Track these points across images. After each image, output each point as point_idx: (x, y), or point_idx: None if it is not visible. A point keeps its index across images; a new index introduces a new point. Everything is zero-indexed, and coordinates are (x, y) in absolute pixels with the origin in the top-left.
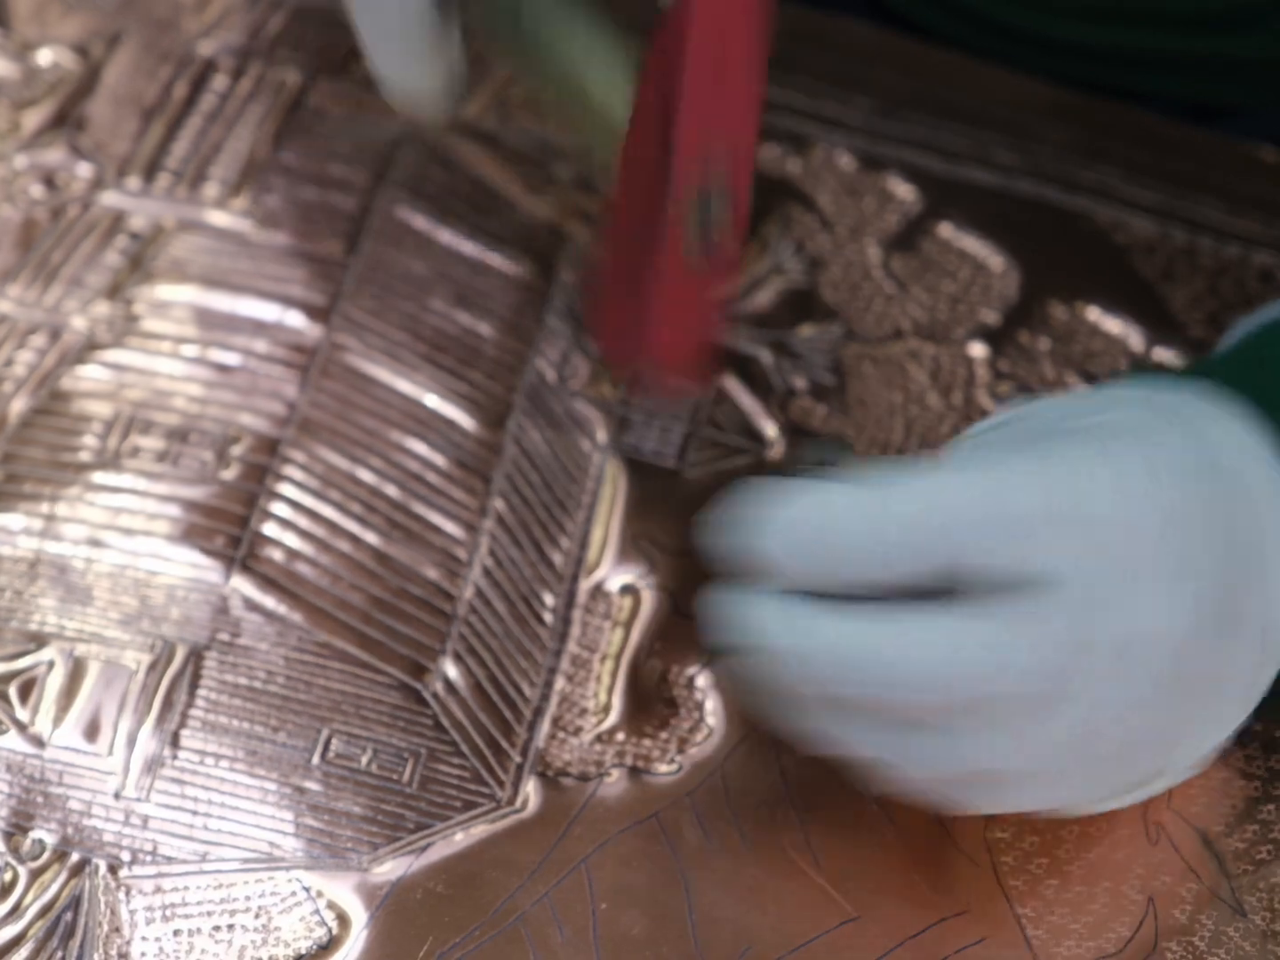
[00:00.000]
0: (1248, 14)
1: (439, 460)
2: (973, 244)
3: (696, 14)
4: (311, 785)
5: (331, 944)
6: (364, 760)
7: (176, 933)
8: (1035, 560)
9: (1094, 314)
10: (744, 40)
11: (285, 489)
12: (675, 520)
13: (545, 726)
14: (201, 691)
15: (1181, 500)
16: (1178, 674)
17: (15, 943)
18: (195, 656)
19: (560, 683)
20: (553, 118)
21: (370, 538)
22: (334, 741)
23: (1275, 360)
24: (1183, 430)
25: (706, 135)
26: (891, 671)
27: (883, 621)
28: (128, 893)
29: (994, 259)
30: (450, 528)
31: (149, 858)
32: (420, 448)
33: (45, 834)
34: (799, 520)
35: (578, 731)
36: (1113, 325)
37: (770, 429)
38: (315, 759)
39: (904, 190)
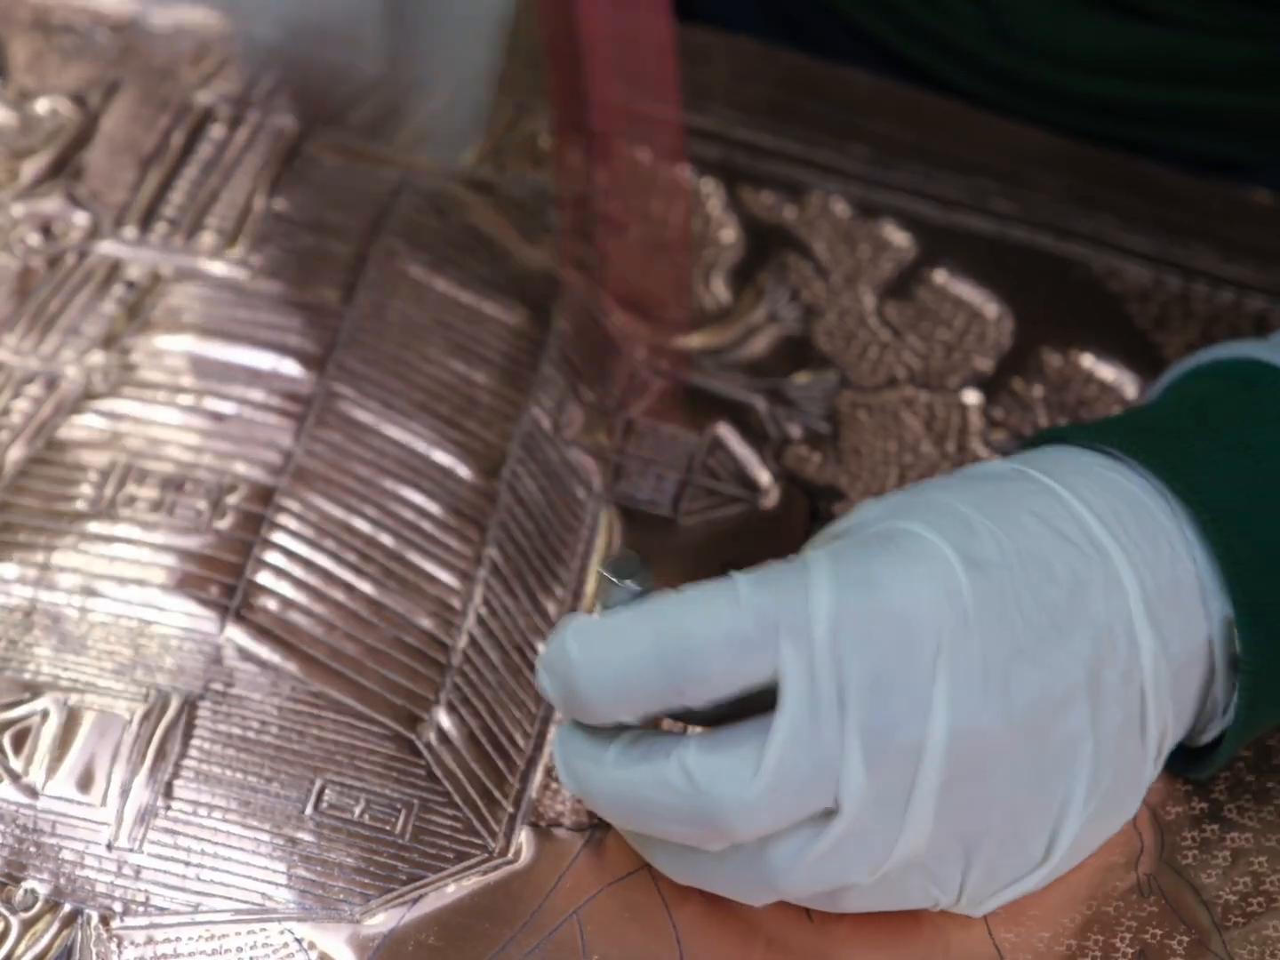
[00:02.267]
0: (1252, 70)
1: (434, 509)
2: (968, 291)
3: None
4: (304, 836)
5: None
6: (357, 811)
7: None
8: (766, 675)
9: (1088, 361)
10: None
11: (280, 538)
12: (670, 569)
13: (538, 777)
14: (195, 741)
15: (968, 595)
16: (967, 762)
17: None
18: (189, 706)
19: (553, 732)
20: None
21: (365, 587)
22: (327, 792)
23: (1167, 422)
24: (999, 513)
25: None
26: (648, 810)
27: (634, 762)
28: (120, 944)
29: (989, 306)
30: (445, 577)
31: (141, 908)
32: (415, 496)
33: (38, 884)
34: (549, 667)
35: None
36: (1107, 372)
37: (765, 477)
38: (308, 809)
39: (899, 238)
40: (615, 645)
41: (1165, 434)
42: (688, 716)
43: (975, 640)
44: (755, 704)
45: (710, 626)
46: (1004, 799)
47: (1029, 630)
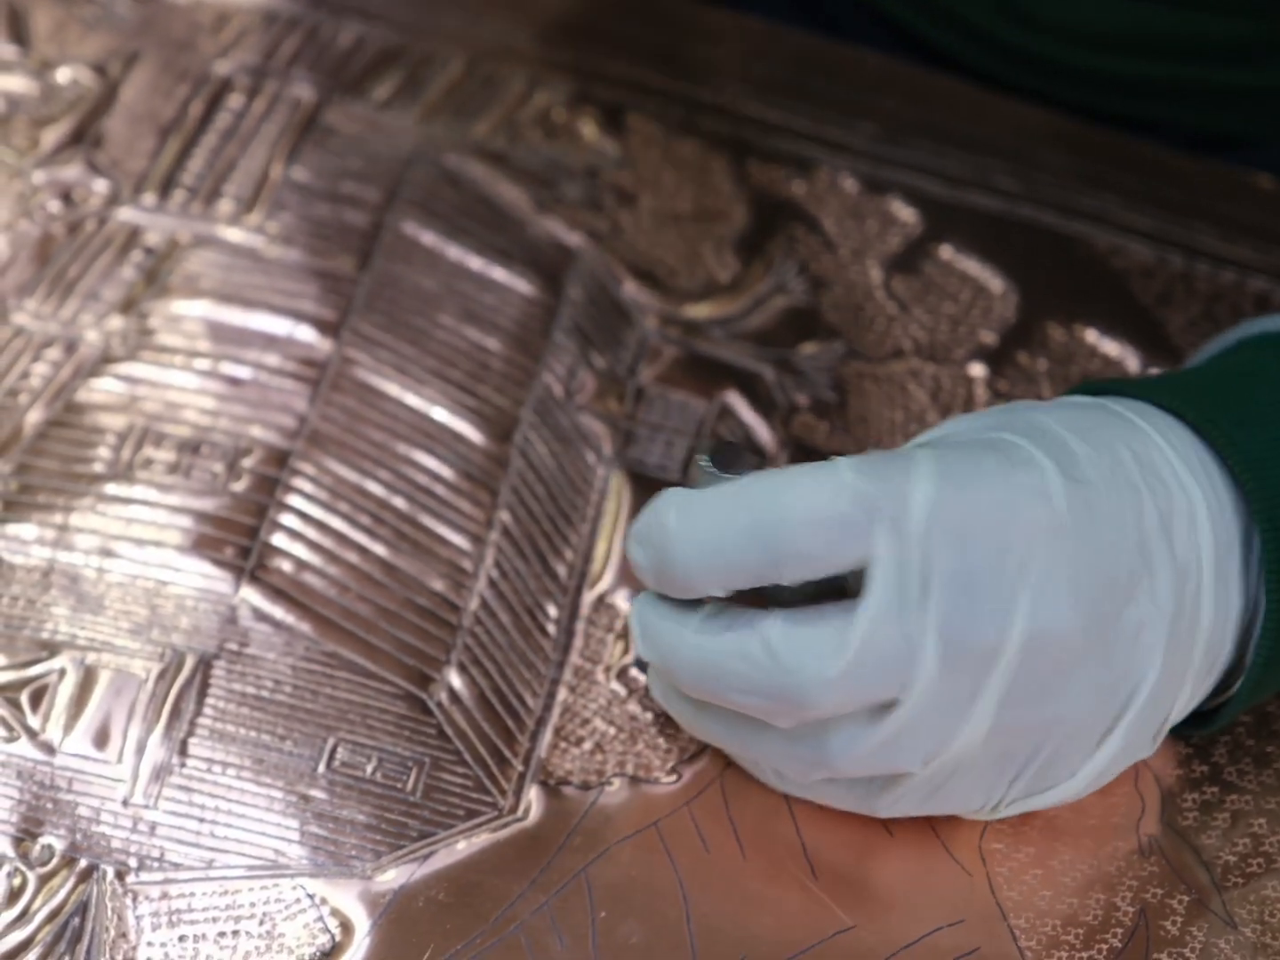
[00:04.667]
0: (1257, 46)
1: (446, 473)
2: (973, 266)
3: None
4: (317, 793)
5: (334, 950)
6: (369, 769)
7: (182, 938)
8: (859, 559)
9: (1092, 336)
10: None
11: (295, 501)
12: None
13: (548, 736)
14: (210, 700)
15: (1066, 509)
16: (1044, 674)
17: (23, 947)
18: (204, 665)
19: (563, 693)
20: None
21: (378, 549)
22: (339, 750)
23: (1218, 383)
24: (1097, 440)
25: None
26: (726, 680)
27: (718, 631)
28: (134, 898)
29: (994, 281)
30: (457, 539)
31: (156, 864)
32: (428, 461)
33: (54, 840)
34: (642, 538)
35: (579, 741)
36: (1110, 347)
37: (772, 444)
38: (321, 767)
39: (906, 213)
40: (714, 517)
41: (1216, 395)
42: (772, 597)
43: (1066, 553)
44: (837, 594)
45: (810, 505)
46: (1066, 714)
47: (1119, 558)
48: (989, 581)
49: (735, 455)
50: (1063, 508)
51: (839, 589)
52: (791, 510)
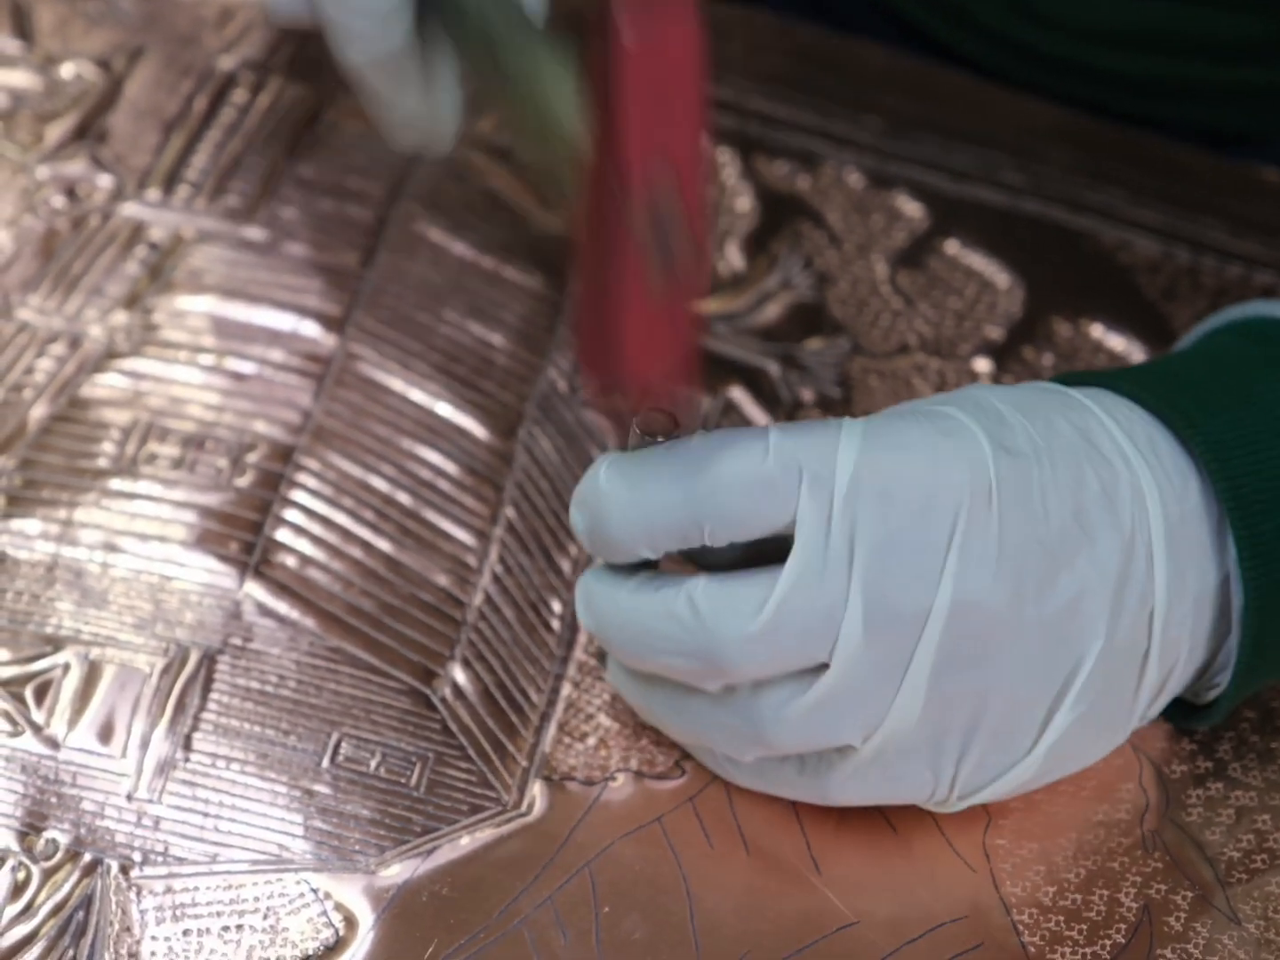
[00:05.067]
0: (1266, 44)
1: (451, 468)
2: (979, 261)
3: (627, 39)
4: (321, 788)
5: (338, 945)
6: (373, 764)
7: (186, 932)
8: (786, 521)
9: (1097, 331)
10: (681, 57)
11: (299, 496)
12: None
13: (551, 731)
14: (214, 695)
15: (994, 476)
16: (974, 641)
17: (28, 941)
18: (208, 660)
19: (567, 688)
20: (521, 145)
21: (382, 544)
22: (344, 745)
23: (1181, 369)
24: (1035, 414)
25: (650, 157)
26: (654, 641)
27: (648, 593)
28: (139, 893)
29: (999, 276)
30: (461, 535)
31: (160, 858)
32: (432, 456)
33: (59, 834)
34: (580, 501)
35: (583, 737)
36: (1116, 342)
37: None
38: (325, 762)
39: (912, 208)
40: (643, 478)
41: (1178, 380)
42: (704, 563)
43: (994, 521)
44: (769, 560)
45: (736, 466)
46: (1003, 685)
47: (1053, 526)
48: (914, 546)
49: (663, 422)
50: (991, 475)
51: (780, 560)
52: (717, 471)
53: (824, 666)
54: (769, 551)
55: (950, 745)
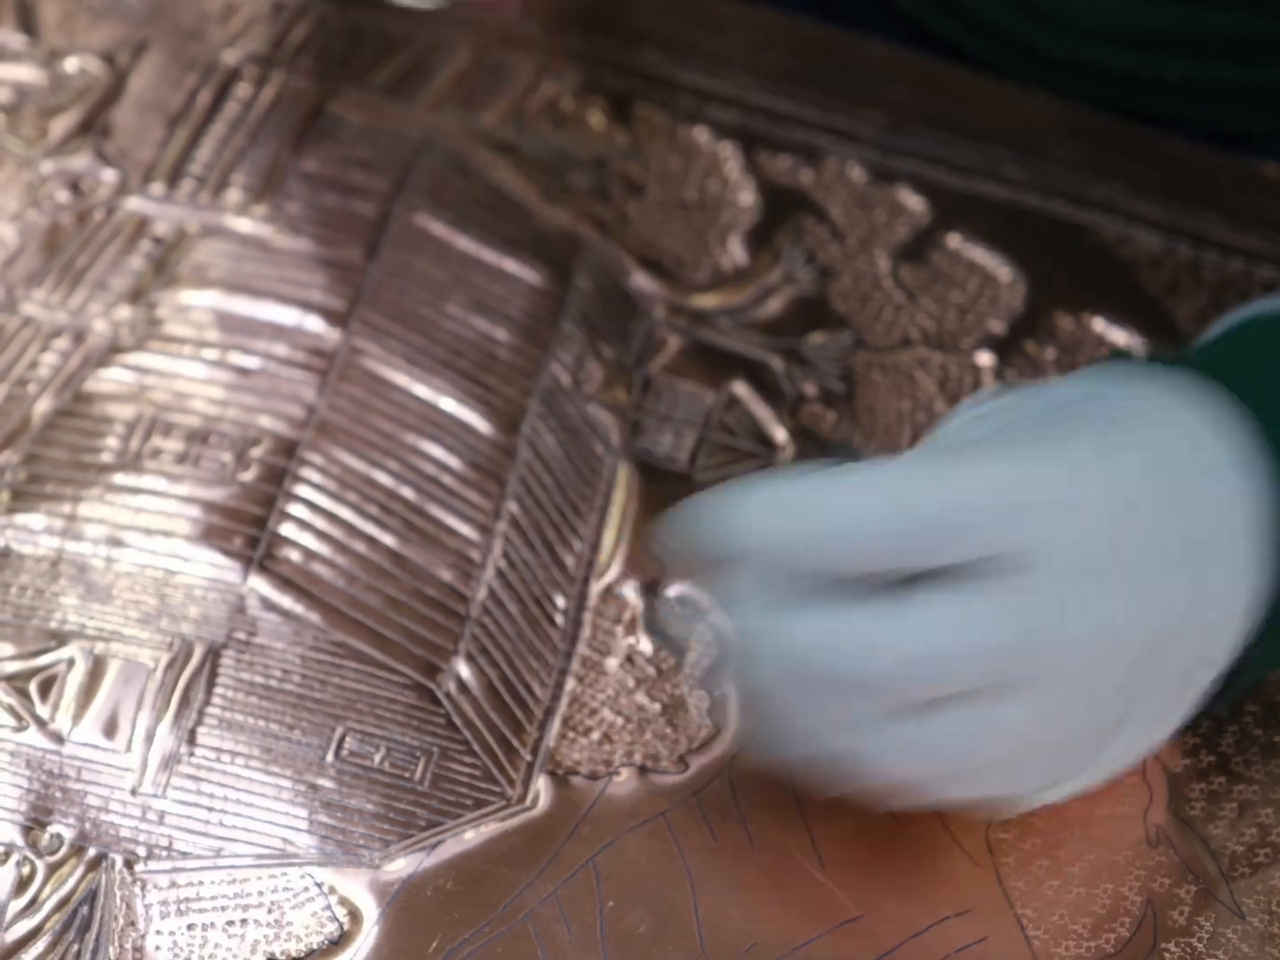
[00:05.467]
0: (1270, 43)
1: (454, 463)
2: (981, 256)
3: None
4: (325, 782)
5: (343, 939)
6: (377, 758)
7: (190, 927)
8: (999, 546)
9: (1099, 325)
10: None
11: (303, 491)
12: None
13: (556, 726)
14: (218, 689)
15: (1150, 494)
16: (1133, 667)
17: (32, 935)
18: (212, 655)
19: (571, 683)
20: None
21: (386, 539)
22: (348, 739)
23: (1248, 354)
24: (1151, 421)
25: None
26: (864, 660)
27: (850, 612)
28: (143, 887)
29: (1002, 270)
30: (465, 530)
31: (164, 853)
32: (436, 451)
33: (63, 828)
34: (789, 502)
35: (587, 731)
36: (1118, 337)
37: (780, 434)
38: (329, 756)
39: (914, 202)
40: (859, 495)
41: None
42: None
43: (1176, 534)
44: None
45: (982, 490)
46: (1148, 697)
47: (1189, 538)
48: (1124, 565)
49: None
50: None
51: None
52: (962, 493)
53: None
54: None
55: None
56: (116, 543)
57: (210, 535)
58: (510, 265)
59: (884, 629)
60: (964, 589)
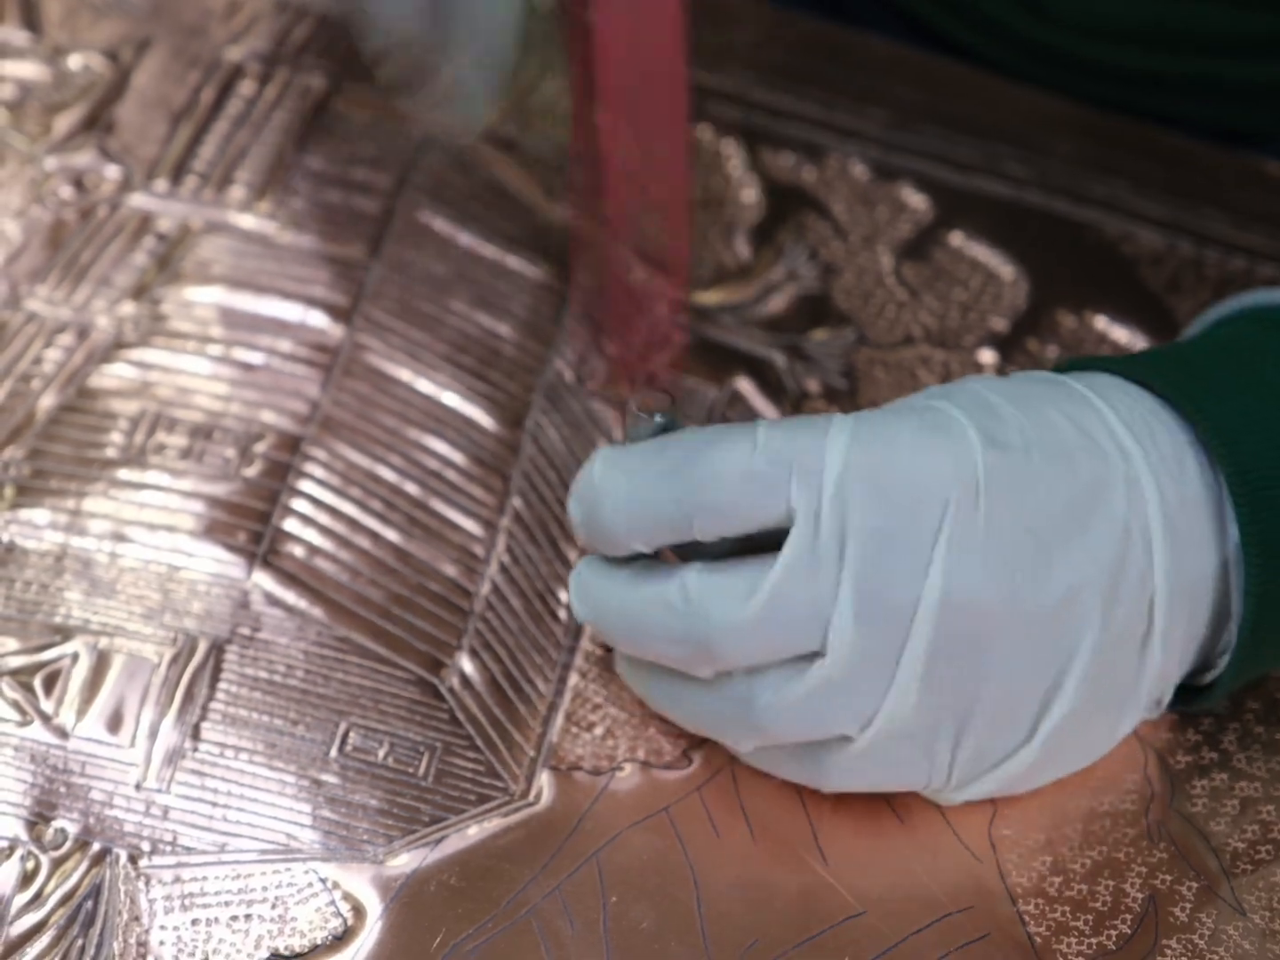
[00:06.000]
0: (1273, 41)
1: (458, 458)
2: (983, 253)
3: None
4: (329, 778)
5: (346, 935)
6: (381, 753)
7: (195, 922)
8: (776, 516)
9: (1101, 323)
10: (662, 52)
11: (307, 486)
12: None
13: (559, 721)
14: (222, 685)
15: (982, 470)
16: (966, 634)
17: (37, 930)
18: (216, 650)
19: (574, 678)
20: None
21: (390, 534)
22: (352, 735)
23: (1189, 355)
24: (1028, 406)
25: (627, 146)
26: (648, 629)
27: (641, 582)
28: (147, 882)
29: (1004, 268)
30: (468, 525)
31: (169, 848)
32: (440, 446)
33: (67, 823)
34: (576, 494)
35: (590, 726)
36: (1120, 334)
37: None
38: (333, 752)
39: (916, 200)
40: (635, 471)
41: (1188, 365)
42: (696, 557)
43: (981, 514)
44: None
45: (727, 461)
46: (998, 674)
47: (1044, 517)
48: (903, 539)
49: (660, 400)
50: (980, 471)
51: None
52: (706, 465)
53: (817, 656)
54: (760, 548)
55: (945, 733)
56: (120, 538)
57: (214, 530)
58: (513, 261)
59: (656, 604)
60: (754, 562)
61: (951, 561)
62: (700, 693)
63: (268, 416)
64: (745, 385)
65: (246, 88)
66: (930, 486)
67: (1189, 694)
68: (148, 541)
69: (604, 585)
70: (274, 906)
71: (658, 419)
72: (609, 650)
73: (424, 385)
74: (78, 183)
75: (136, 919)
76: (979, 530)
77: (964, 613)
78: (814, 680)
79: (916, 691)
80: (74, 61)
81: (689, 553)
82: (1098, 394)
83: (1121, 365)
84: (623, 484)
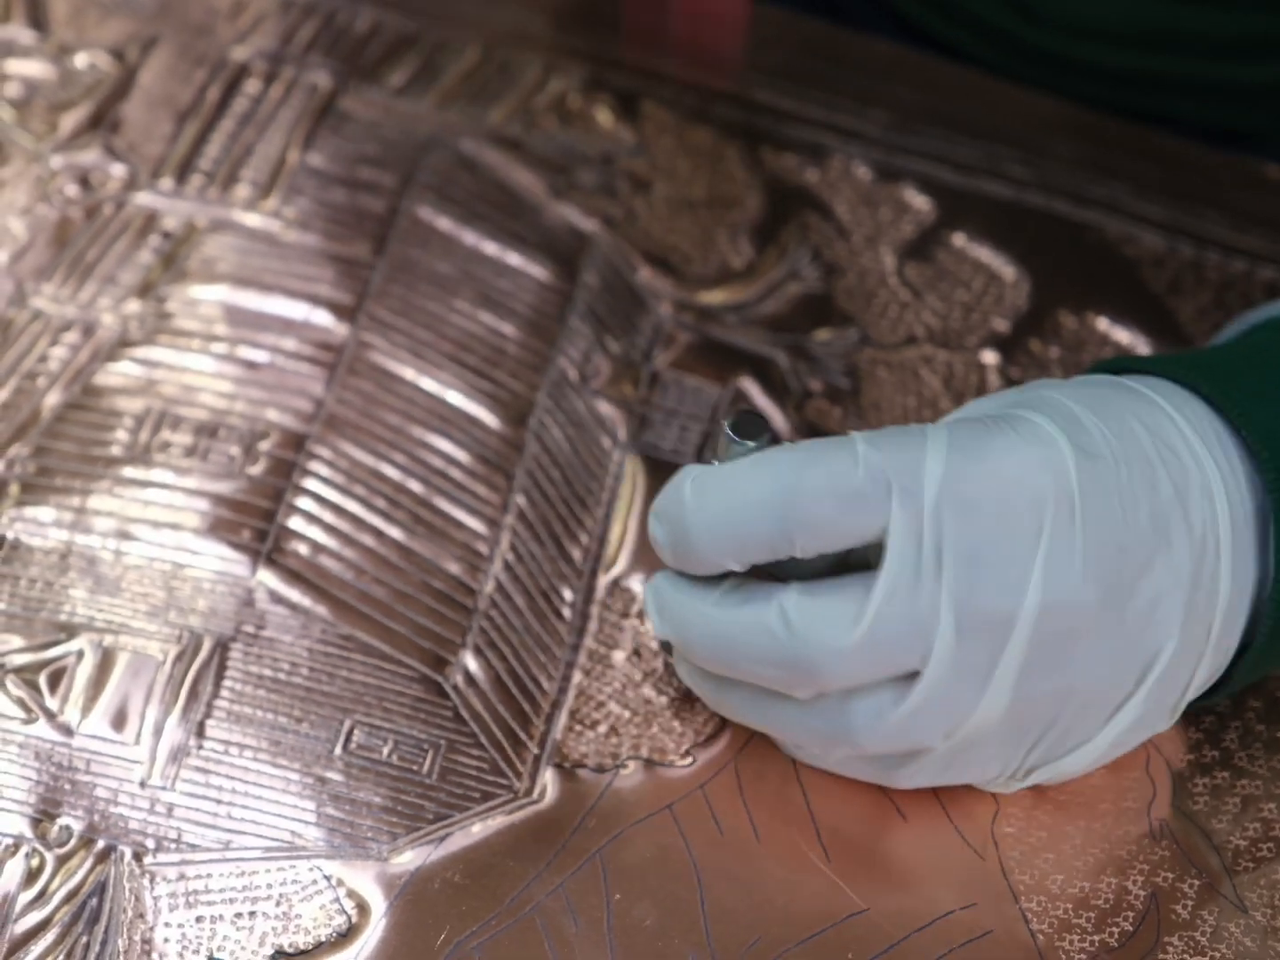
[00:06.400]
0: (1267, 42)
1: (462, 457)
2: (985, 254)
3: None
4: (333, 775)
5: (351, 932)
6: (385, 751)
7: (199, 919)
8: (874, 531)
9: (1103, 324)
10: None
11: (311, 484)
12: None
13: (563, 719)
14: (226, 682)
15: (1076, 482)
16: (1059, 644)
17: (41, 927)
18: (221, 648)
19: (578, 677)
20: None
21: (394, 532)
22: (356, 732)
23: (1235, 359)
24: (1109, 415)
25: None
26: (743, 652)
27: (735, 604)
28: (152, 879)
29: (1006, 269)
30: (472, 523)
31: (173, 845)
32: (444, 444)
33: (72, 821)
34: (661, 514)
35: (594, 724)
36: (1121, 335)
37: (786, 430)
38: (337, 750)
39: (919, 201)
40: (731, 491)
41: (1230, 372)
42: (783, 574)
43: (1079, 525)
44: (854, 569)
45: (825, 478)
46: (1084, 684)
47: (1131, 530)
48: (1001, 553)
49: (756, 425)
50: (1073, 480)
51: (861, 568)
52: (805, 482)
53: (914, 673)
54: (851, 562)
55: (1026, 738)
56: (125, 536)
57: (218, 528)
58: (517, 261)
59: (751, 626)
60: (847, 583)
61: (1049, 573)
62: (790, 710)
63: (272, 414)
64: (748, 384)
65: (252, 86)
66: (1028, 498)
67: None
68: (153, 539)
69: (690, 604)
70: (278, 904)
71: (749, 444)
72: (668, 648)
73: (428, 383)
74: (83, 181)
75: (141, 916)
76: (1076, 542)
77: (1058, 624)
78: (915, 699)
79: (1007, 702)
80: (80, 60)
81: (778, 570)
82: (1166, 400)
83: (1170, 368)
84: (717, 503)
